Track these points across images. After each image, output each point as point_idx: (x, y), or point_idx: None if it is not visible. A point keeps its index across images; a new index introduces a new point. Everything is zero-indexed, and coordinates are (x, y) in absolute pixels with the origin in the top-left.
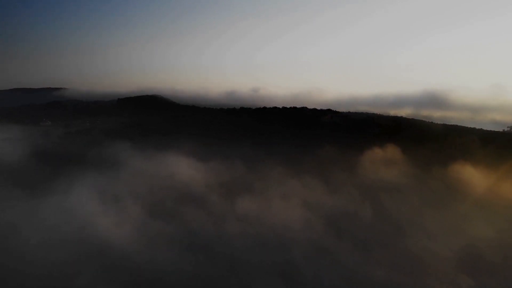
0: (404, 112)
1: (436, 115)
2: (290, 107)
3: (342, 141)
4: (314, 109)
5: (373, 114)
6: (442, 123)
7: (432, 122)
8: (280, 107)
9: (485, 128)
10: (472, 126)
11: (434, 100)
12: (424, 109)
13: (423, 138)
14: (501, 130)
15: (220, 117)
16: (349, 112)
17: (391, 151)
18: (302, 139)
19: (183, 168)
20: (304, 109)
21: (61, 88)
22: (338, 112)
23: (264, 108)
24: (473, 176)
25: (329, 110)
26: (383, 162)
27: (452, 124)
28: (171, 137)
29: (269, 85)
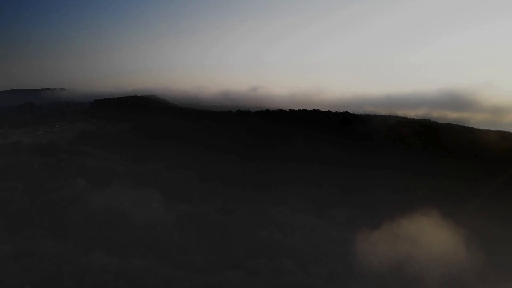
0: (422, 112)
1: (453, 116)
2: (299, 110)
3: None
4: (329, 111)
5: (396, 116)
6: (486, 128)
7: (478, 129)
8: (287, 109)
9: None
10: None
11: (456, 100)
12: (442, 109)
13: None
14: None
15: (209, 123)
16: (368, 115)
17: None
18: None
19: None
20: (316, 112)
21: (57, 89)
22: (356, 115)
23: (267, 110)
24: None
25: (346, 112)
26: None
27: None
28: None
29: (276, 85)
